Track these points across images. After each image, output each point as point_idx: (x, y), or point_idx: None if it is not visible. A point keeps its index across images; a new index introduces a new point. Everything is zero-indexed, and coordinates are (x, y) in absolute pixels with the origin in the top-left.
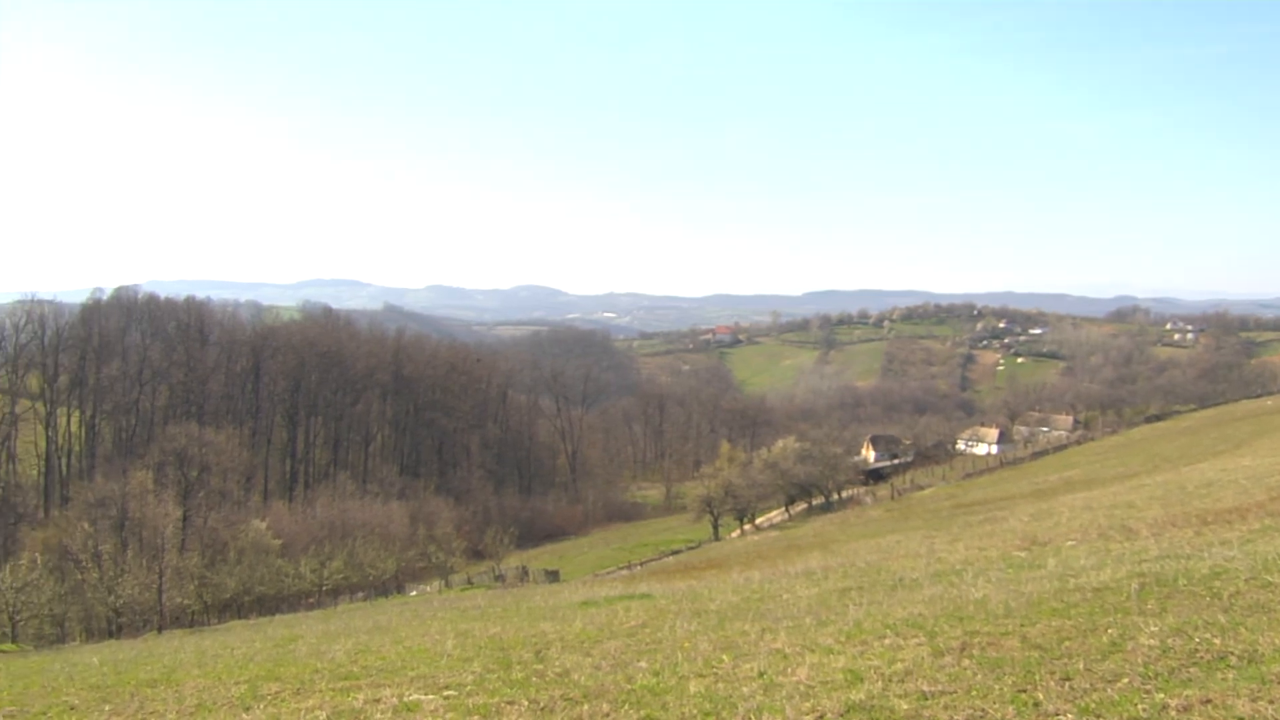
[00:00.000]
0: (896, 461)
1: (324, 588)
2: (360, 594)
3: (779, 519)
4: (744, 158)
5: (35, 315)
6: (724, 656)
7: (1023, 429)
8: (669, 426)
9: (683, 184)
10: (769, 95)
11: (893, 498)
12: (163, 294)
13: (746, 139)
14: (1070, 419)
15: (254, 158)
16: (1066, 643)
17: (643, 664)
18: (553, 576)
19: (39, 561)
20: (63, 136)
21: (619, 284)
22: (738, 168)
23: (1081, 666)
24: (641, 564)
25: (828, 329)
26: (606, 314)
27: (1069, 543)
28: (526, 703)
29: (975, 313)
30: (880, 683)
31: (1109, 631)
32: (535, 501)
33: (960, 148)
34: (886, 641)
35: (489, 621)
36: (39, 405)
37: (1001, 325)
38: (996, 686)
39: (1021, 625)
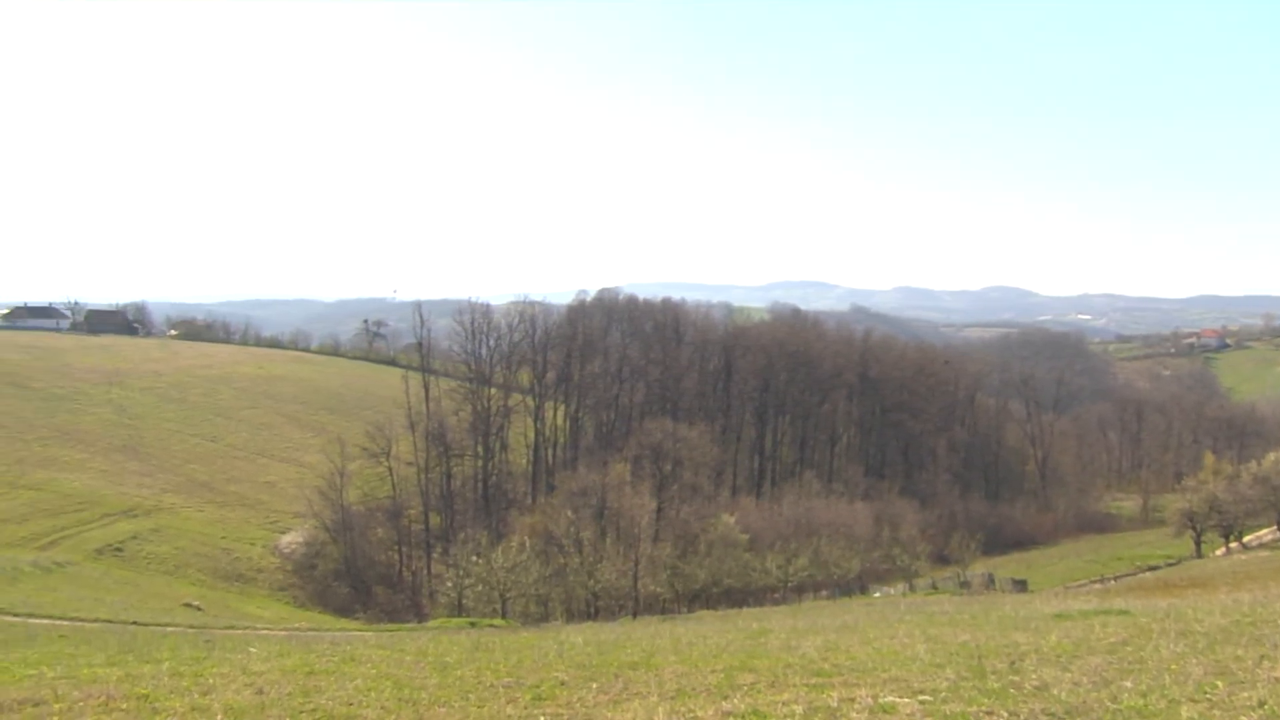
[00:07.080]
0: None
1: (789, 584)
2: (824, 592)
3: (1269, 538)
4: (1228, 148)
5: (527, 315)
6: (1217, 682)
7: None
8: (1147, 435)
9: (1164, 179)
10: (1239, 85)
11: None
12: (641, 295)
13: (1228, 127)
14: None
15: (729, 165)
16: None
17: (1127, 684)
18: (1020, 586)
19: (527, 545)
20: (558, 153)
21: (1094, 284)
22: (1226, 158)
23: None
24: (1115, 578)
25: None
26: (1080, 315)
27: None
28: (1005, 714)
29: None
30: None
31: None
32: (1002, 508)
33: None
34: None
35: (958, 628)
36: (529, 399)
37: None
38: None
39: None
